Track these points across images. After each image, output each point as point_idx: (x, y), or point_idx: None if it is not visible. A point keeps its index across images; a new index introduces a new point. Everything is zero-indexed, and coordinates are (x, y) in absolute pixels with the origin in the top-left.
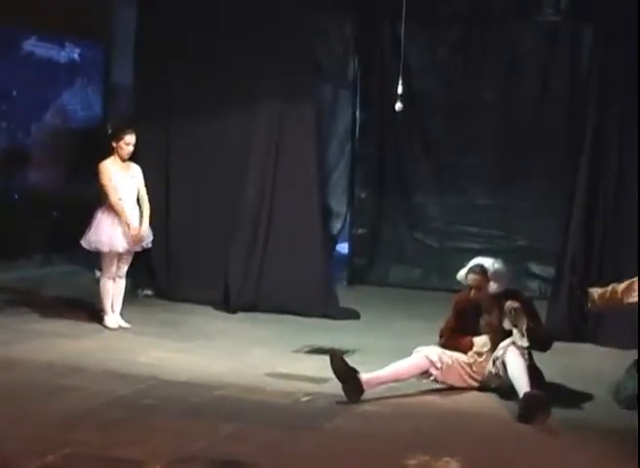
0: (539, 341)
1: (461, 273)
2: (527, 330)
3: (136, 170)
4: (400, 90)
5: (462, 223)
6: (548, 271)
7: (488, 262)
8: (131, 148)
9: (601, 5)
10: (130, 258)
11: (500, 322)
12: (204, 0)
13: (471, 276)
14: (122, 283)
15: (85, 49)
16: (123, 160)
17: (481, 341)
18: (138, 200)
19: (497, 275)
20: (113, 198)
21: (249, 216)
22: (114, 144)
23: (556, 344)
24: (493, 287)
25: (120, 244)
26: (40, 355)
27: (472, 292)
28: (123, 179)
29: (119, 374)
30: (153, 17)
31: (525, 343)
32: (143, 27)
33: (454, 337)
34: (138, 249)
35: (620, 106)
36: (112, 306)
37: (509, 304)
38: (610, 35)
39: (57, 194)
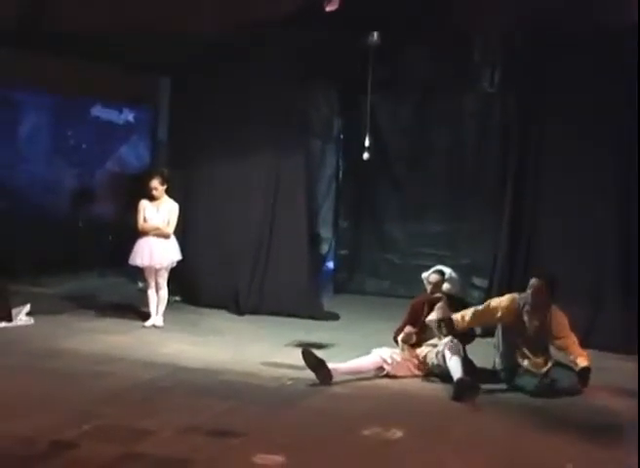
0: (460, 336)
1: (426, 273)
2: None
3: (165, 206)
4: (367, 143)
5: (420, 245)
6: (486, 283)
7: (447, 269)
8: (155, 191)
9: (521, 81)
10: (165, 273)
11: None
12: (219, 74)
13: (433, 275)
14: (162, 292)
15: (138, 113)
16: (153, 198)
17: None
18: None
19: (451, 279)
20: (139, 224)
21: (254, 241)
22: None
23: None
24: (446, 287)
25: (147, 261)
26: (85, 347)
27: (430, 287)
28: (151, 212)
29: (145, 362)
30: (181, 88)
31: (447, 339)
32: (174, 96)
33: (401, 330)
34: (168, 265)
35: (535, 153)
36: (157, 310)
37: (429, 320)
38: (527, 101)
39: (112, 223)
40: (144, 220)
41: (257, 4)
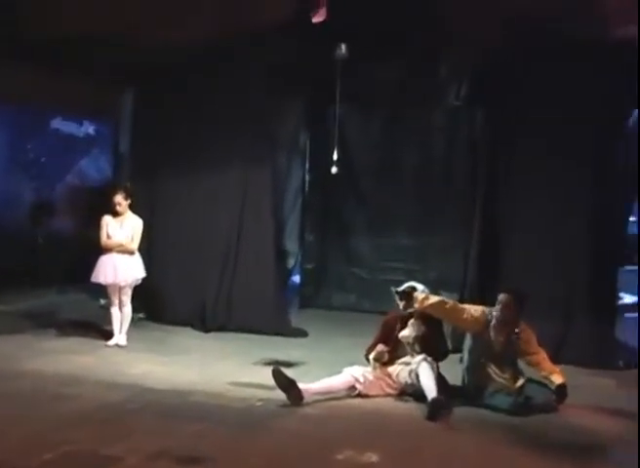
0: (434, 353)
1: (400, 288)
2: (423, 342)
3: (128, 221)
4: (335, 156)
5: (388, 260)
6: (455, 297)
7: (419, 285)
8: (118, 206)
9: (488, 95)
10: (129, 290)
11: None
12: (186, 87)
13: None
14: (125, 309)
15: (98, 125)
16: (116, 213)
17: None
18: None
19: (423, 293)
20: (102, 241)
21: (220, 256)
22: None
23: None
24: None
25: (111, 278)
26: (48, 368)
27: (402, 304)
28: (114, 228)
29: (111, 384)
30: (146, 100)
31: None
32: (138, 108)
33: (373, 348)
34: (132, 283)
35: (505, 168)
36: (120, 328)
37: (402, 336)
38: (494, 116)
39: (73, 237)
40: (108, 237)
41: (225, 17)
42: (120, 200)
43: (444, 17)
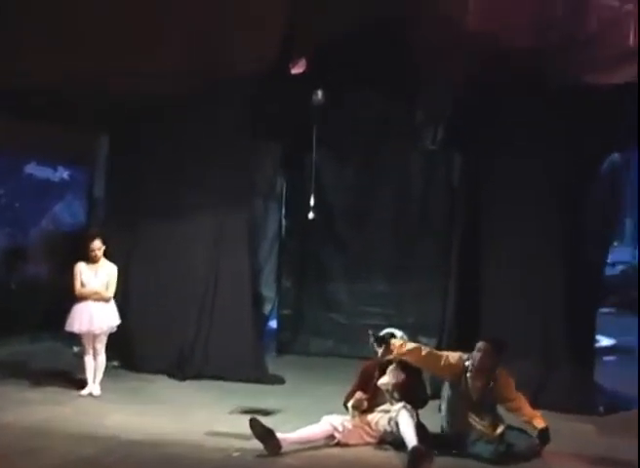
0: (413, 400)
1: (378, 334)
2: (402, 389)
3: (103, 269)
4: (312, 202)
5: (366, 304)
6: (433, 342)
7: (398, 332)
8: (94, 253)
9: (463, 139)
10: (104, 338)
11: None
12: (160, 133)
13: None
14: (100, 358)
15: (73, 171)
16: (91, 261)
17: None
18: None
19: (402, 340)
20: (76, 289)
21: (196, 303)
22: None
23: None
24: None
25: (86, 327)
26: (18, 420)
27: (380, 350)
28: (88, 276)
29: (85, 436)
30: (120, 145)
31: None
32: (112, 154)
33: (351, 395)
34: (107, 330)
35: (481, 210)
36: (94, 378)
37: (381, 384)
38: (471, 160)
39: (47, 284)
40: (82, 285)
41: (200, 63)
42: (98, 246)
43: (422, 57)
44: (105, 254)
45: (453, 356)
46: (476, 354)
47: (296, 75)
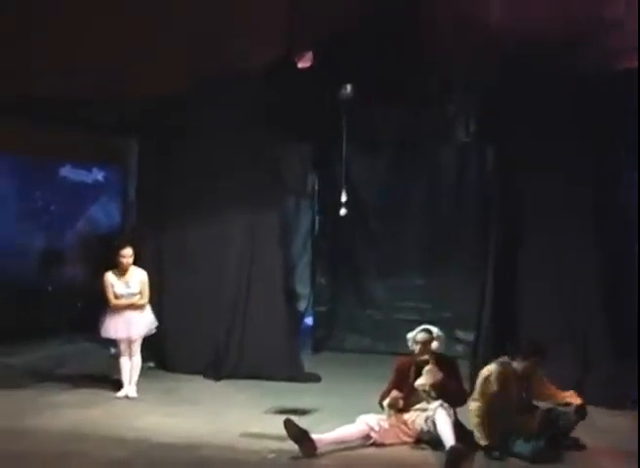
0: (452, 399)
1: (412, 333)
2: (440, 389)
3: (134, 278)
4: (344, 198)
5: (401, 300)
6: (470, 336)
7: (433, 328)
8: (125, 260)
9: (497, 130)
10: (139, 340)
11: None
12: (189, 133)
13: (420, 335)
14: (135, 359)
15: (107, 172)
16: (122, 269)
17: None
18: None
19: (438, 337)
20: (110, 301)
21: (230, 302)
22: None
23: None
24: (435, 345)
25: (124, 333)
26: (51, 424)
27: (418, 348)
28: (120, 287)
29: (117, 439)
30: (150, 147)
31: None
32: (143, 155)
33: (387, 394)
34: (144, 334)
35: (516, 203)
36: (130, 379)
37: (418, 385)
38: (504, 150)
39: (83, 286)
40: (115, 296)
41: (226, 58)
42: (130, 253)
43: (450, 48)
44: (135, 261)
45: (498, 371)
46: (522, 363)
47: (318, 70)
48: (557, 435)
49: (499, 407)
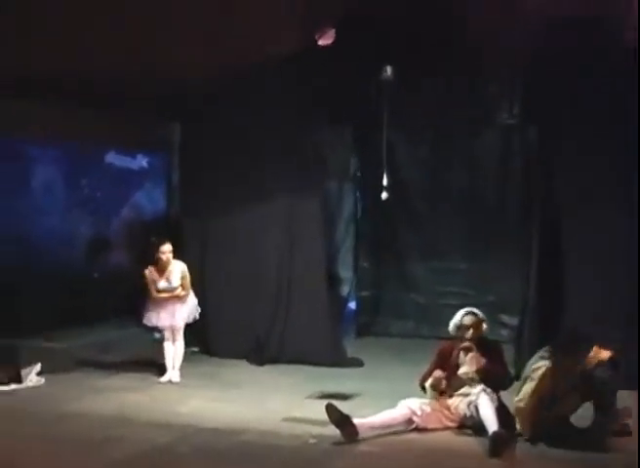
0: (495, 384)
1: (457, 318)
2: (484, 374)
3: (174, 273)
4: (385, 182)
5: (444, 284)
6: (515, 320)
7: (477, 311)
8: (165, 256)
9: (542, 111)
10: (182, 326)
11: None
12: (231, 118)
13: (467, 317)
14: (178, 344)
15: (152, 158)
16: (162, 265)
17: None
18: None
19: (485, 319)
20: (152, 295)
21: (272, 287)
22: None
23: None
24: (484, 327)
25: (168, 321)
26: (96, 408)
27: (469, 331)
28: (162, 284)
29: (160, 424)
30: (192, 132)
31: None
32: (185, 140)
33: (428, 376)
34: (186, 322)
35: (561, 187)
36: (173, 364)
37: (462, 373)
38: (548, 132)
39: (129, 272)
40: (157, 291)
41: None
42: (169, 249)
43: (491, 31)
44: (176, 248)
45: (557, 369)
46: (592, 366)
47: (361, 52)
48: (603, 400)
49: (547, 402)
